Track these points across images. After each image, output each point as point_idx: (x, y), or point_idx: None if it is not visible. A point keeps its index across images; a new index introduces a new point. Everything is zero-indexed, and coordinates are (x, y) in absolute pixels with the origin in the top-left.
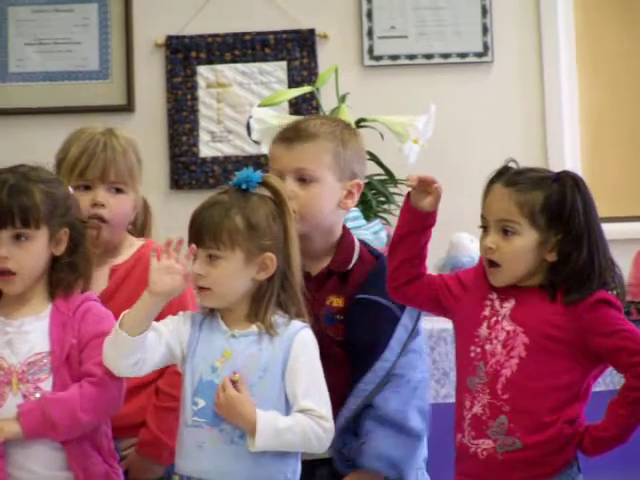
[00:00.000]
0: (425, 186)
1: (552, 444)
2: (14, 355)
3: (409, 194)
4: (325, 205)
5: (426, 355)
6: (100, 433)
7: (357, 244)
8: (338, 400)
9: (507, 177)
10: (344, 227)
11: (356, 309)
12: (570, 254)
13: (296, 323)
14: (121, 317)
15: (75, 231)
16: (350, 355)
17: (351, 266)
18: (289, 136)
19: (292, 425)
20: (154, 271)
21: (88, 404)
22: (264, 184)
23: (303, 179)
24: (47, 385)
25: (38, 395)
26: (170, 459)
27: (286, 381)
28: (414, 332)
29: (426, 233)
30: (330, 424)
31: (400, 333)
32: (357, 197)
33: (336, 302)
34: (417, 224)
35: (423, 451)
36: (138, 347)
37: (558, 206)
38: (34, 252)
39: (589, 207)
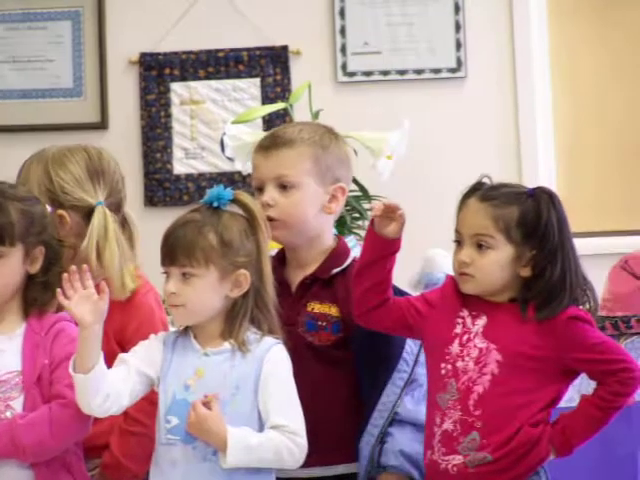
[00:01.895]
0: (389, 213)
1: (520, 449)
2: None
3: (372, 221)
4: (307, 211)
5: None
6: (70, 453)
7: (352, 255)
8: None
9: (482, 192)
10: (339, 237)
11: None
12: (544, 269)
13: (268, 340)
14: (70, 362)
15: (51, 250)
16: (363, 371)
17: (335, 272)
18: (266, 144)
19: (263, 441)
20: (72, 309)
21: (57, 428)
22: (235, 201)
23: (283, 186)
24: (18, 404)
25: (9, 414)
26: None
27: (258, 398)
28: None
29: (391, 259)
30: (303, 440)
31: (410, 346)
32: (342, 201)
33: (318, 308)
34: (382, 251)
35: None
36: (98, 382)
37: (533, 222)
38: (8, 269)
39: (563, 223)
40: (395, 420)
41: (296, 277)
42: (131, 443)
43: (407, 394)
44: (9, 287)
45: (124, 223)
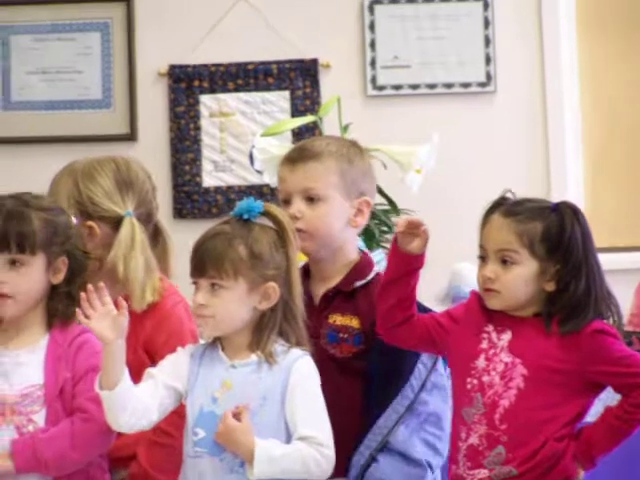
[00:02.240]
0: (413, 229)
1: (545, 463)
2: (8, 386)
3: (396, 238)
4: (334, 224)
5: (443, 390)
6: (94, 465)
7: (376, 269)
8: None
9: (506, 207)
10: (363, 252)
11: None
12: (569, 284)
13: (295, 351)
14: (96, 379)
15: (74, 261)
16: (368, 383)
17: (358, 285)
18: (294, 157)
19: (290, 452)
20: (93, 326)
21: (79, 442)
22: (266, 214)
23: (310, 198)
24: (40, 417)
25: (31, 428)
26: None
27: (286, 409)
28: (433, 368)
29: (415, 275)
30: (330, 451)
31: (420, 370)
32: (367, 214)
33: (340, 320)
34: (406, 267)
35: None
36: (125, 398)
37: (557, 236)
38: (30, 277)
39: (587, 238)
40: (386, 447)
41: (319, 290)
42: (159, 455)
43: (403, 422)
44: (31, 295)
45: (157, 234)
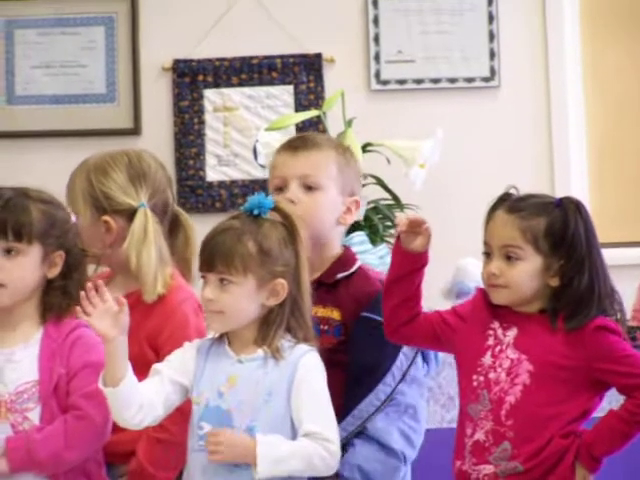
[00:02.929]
0: (415, 227)
1: (550, 459)
2: (3, 384)
3: (399, 237)
4: (326, 215)
5: (422, 384)
6: (90, 460)
7: (359, 263)
8: None
9: (509, 203)
10: (346, 247)
11: (361, 328)
12: (572, 279)
13: (302, 347)
14: (100, 377)
15: (71, 256)
16: (348, 374)
17: (340, 277)
18: (295, 144)
19: (295, 450)
20: (94, 324)
21: (73, 441)
22: (276, 209)
23: (308, 186)
24: (35, 415)
25: (26, 425)
26: None
27: (291, 405)
28: (413, 361)
29: (419, 274)
30: (335, 447)
31: (401, 361)
32: (355, 215)
33: (321, 312)
34: (410, 266)
35: (402, 475)
36: (129, 394)
37: (561, 232)
38: (24, 267)
39: (590, 233)
40: (363, 433)
41: None
42: (157, 450)
43: (383, 410)
44: (24, 287)
45: (177, 225)
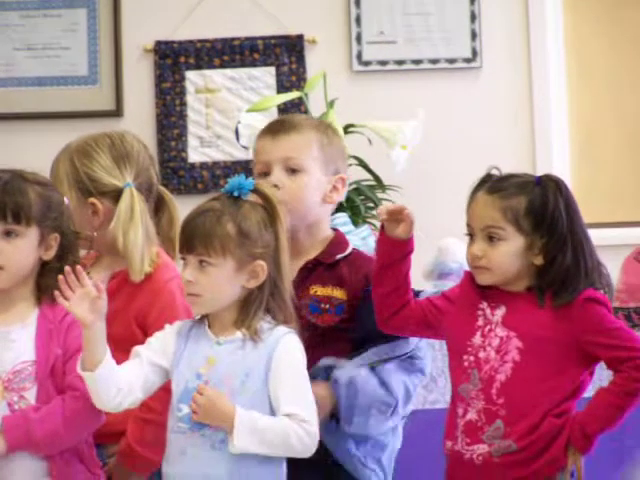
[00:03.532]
0: (396, 215)
1: (544, 439)
2: (0, 363)
3: (382, 226)
4: (312, 197)
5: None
6: (82, 442)
7: (352, 243)
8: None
9: (490, 184)
10: (337, 229)
11: (369, 302)
12: (555, 257)
13: (281, 328)
14: (78, 361)
15: (66, 239)
16: (356, 348)
17: (338, 258)
18: (275, 128)
19: (272, 425)
20: (73, 309)
21: (71, 420)
22: (256, 191)
23: (291, 169)
24: (31, 394)
25: (23, 405)
26: (146, 469)
27: (269, 386)
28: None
29: (406, 261)
30: (314, 427)
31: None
32: (342, 192)
33: (321, 291)
34: (396, 253)
35: (392, 426)
36: (107, 378)
37: (541, 210)
38: (22, 249)
39: (571, 209)
40: (371, 368)
41: (295, 264)
42: (145, 430)
43: (393, 362)
44: (21, 269)
45: (162, 204)
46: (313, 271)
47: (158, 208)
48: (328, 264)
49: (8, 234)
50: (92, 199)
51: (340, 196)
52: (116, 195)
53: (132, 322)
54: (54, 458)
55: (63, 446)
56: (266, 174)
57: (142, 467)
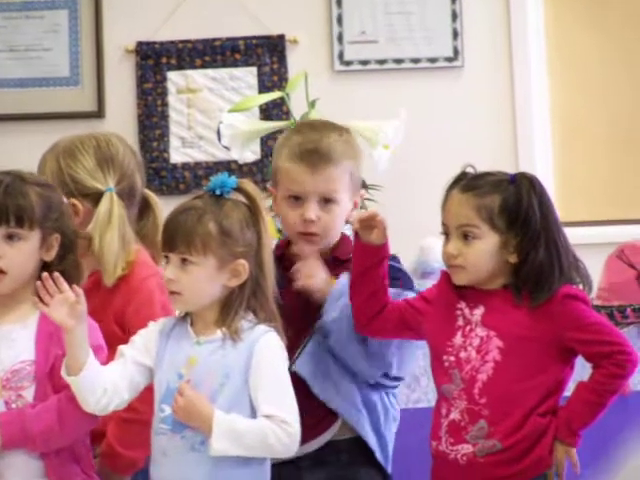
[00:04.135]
0: (368, 222)
1: (529, 439)
2: None
3: (357, 233)
4: (341, 223)
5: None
6: (79, 443)
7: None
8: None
9: (464, 183)
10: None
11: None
12: (528, 255)
13: (260, 327)
14: (62, 366)
15: (66, 238)
16: None
17: (351, 256)
18: (313, 160)
19: (251, 427)
20: (52, 314)
21: (66, 419)
22: (239, 190)
23: (325, 199)
24: (29, 394)
25: (20, 404)
26: (128, 469)
27: (250, 386)
28: None
29: (381, 266)
30: (293, 428)
31: None
32: (358, 206)
33: None
34: (370, 259)
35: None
36: (92, 381)
37: (515, 208)
38: (26, 253)
39: (545, 207)
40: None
41: None
42: (125, 430)
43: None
44: (25, 271)
45: (147, 208)
46: (332, 266)
47: (143, 212)
48: (345, 260)
49: (11, 237)
50: (73, 200)
51: (356, 211)
52: (97, 197)
53: (111, 320)
54: (50, 458)
55: (59, 444)
56: (296, 198)
57: (124, 467)
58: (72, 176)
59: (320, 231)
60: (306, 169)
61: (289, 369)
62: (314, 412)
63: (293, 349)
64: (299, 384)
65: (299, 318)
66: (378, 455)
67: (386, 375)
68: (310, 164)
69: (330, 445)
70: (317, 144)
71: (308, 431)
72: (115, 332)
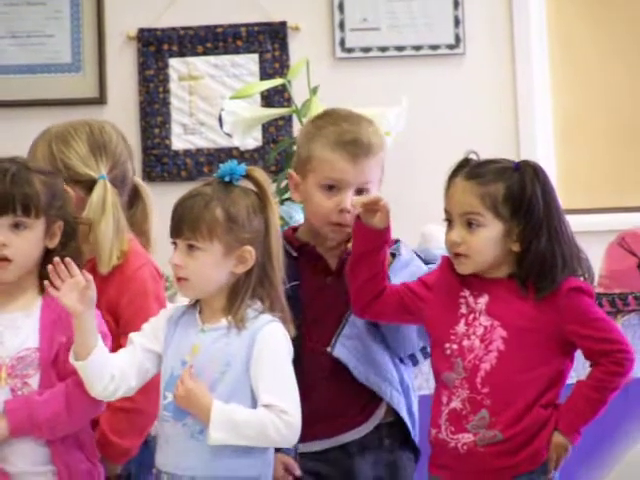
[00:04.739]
0: (371, 206)
1: (530, 430)
2: (4, 349)
3: (359, 215)
4: None
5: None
6: (83, 431)
7: None
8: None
9: (468, 170)
10: None
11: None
12: (530, 244)
13: (264, 317)
14: (71, 351)
15: (68, 226)
16: None
17: None
18: (355, 150)
19: (250, 417)
20: (62, 299)
21: (73, 405)
22: (248, 177)
23: (358, 191)
24: (34, 381)
25: (25, 391)
26: (121, 457)
27: (251, 376)
28: None
29: (382, 250)
30: (293, 418)
31: None
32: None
33: None
34: (372, 243)
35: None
36: (100, 366)
37: (519, 196)
38: (31, 241)
39: (548, 196)
40: None
41: (331, 258)
42: (119, 418)
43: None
44: (30, 259)
45: (136, 196)
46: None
47: (133, 201)
48: None
49: (17, 226)
50: (65, 186)
51: None
52: (89, 184)
53: (103, 310)
54: (56, 445)
55: (65, 430)
56: (331, 187)
57: (117, 456)
58: (64, 162)
59: (351, 222)
60: (349, 158)
61: (329, 354)
62: (357, 397)
63: (332, 336)
64: (339, 369)
65: (341, 303)
66: (413, 435)
67: (424, 348)
68: (353, 154)
69: (373, 429)
70: (357, 135)
71: (354, 417)
72: (108, 321)
